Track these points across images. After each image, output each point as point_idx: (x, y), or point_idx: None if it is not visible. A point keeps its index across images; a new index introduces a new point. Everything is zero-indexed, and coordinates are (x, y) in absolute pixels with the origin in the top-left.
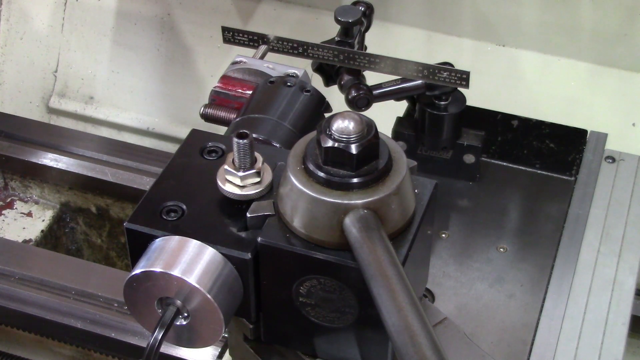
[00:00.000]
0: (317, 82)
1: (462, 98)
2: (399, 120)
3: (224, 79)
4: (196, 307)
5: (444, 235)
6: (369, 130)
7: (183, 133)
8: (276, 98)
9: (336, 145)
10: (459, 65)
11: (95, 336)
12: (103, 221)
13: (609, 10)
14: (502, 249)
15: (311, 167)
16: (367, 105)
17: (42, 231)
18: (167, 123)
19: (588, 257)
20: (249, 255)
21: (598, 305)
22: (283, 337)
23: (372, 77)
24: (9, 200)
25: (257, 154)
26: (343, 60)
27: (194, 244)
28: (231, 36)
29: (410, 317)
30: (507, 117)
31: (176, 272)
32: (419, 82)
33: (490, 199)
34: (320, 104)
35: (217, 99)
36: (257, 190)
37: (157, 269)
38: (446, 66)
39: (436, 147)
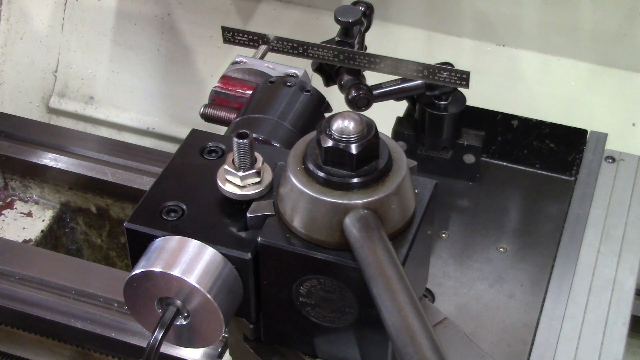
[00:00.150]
0: (317, 82)
1: (462, 98)
2: (399, 120)
3: (224, 79)
4: (196, 307)
5: (444, 235)
6: (369, 130)
7: (183, 133)
8: (276, 98)
9: (336, 145)
10: (459, 65)
11: (95, 336)
12: (103, 221)
13: (609, 10)
14: (502, 249)
15: (311, 167)
16: (367, 105)
17: (42, 231)
18: (167, 123)
19: (588, 257)
20: (249, 255)
21: (598, 305)
22: (283, 337)
23: (372, 77)
24: (9, 200)
25: (257, 154)
26: (343, 60)
27: (194, 244)
28: (231, 36)
29: (410, 317)
30: (507, 117)
31: (176, 272)
32: (419, 82)
33: (490, 199)
34: (320, 104)
35: (217, 99)
36: (257, 190)
37: (157, 269)
38: (446, 66)
39: (436, 147)
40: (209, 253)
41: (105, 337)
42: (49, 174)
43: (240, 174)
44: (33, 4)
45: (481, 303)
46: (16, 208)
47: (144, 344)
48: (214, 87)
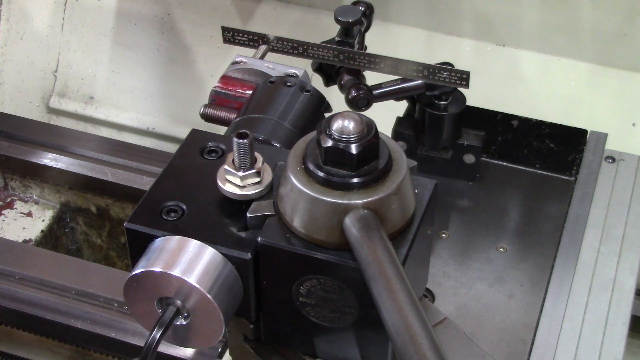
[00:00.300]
0: (317, 82)
1: (462, 98)
2: (399, 120)
3: (224, 79)
4: (196, 307)
5: (444, 235)
6: (369, 130)
7: (183, 133)
8: (276, 98)
9: (336, 145)
10: (459, 65)
11: (95, 336)
12: (103, 221)
13: (609, 10)
14: (502, 249)
15: (311, 167)
16: (367, 105)
17: (42, 231)
18: (167, 123)
19: (588, 257)
20: (249, 255)
21: (598, 305)
22: (283, 337)
23: (372, 77)
24: (9, 200)
25: (257, 154)
26: (343, 60)
27: (194, 244)
28: (231, 36)
29: (410, 317)
30: (507, 117)
31: (176, 272)
32: (419, 82)
33: (490, 199)
34: (320, 104)
35: (217, 99)
36: (257, 190)
37: (157, 269)
38: (446, 66)
39: (436, 147)
40: (209, 253)
41: (105, 337)
42: (49, 174)
43: (240, 174)
44: (33, 4)
45: (481, 303)
46: (16, 208)
47: (143, 344)
48: (214, 87)
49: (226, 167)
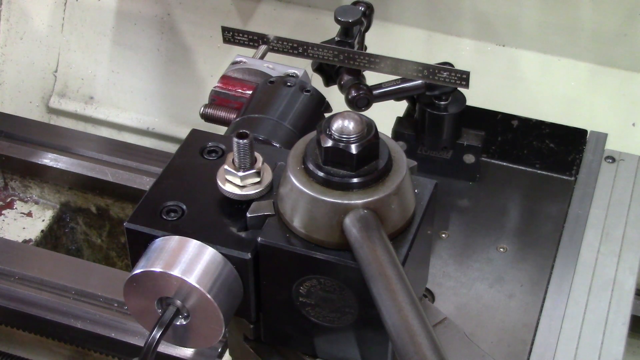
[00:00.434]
0: (317, 82)
1: (462, 98)
2: (399, 120)
3: (224, 79)
4: (196, 307)
5: (444, 235)
6: (369, 130)
7: (183, 133)
8: (276, 98)
9: (336, 145)
10: (459, 65)
11: (95, 336)
12: (103, 221)
13: (609, 10)
14: (502, 249)
15: (311, 167)
16: (367, 105)
17: (42, 231)
18: (167, 123)
19: (588, 257)
20: (249, 255)
21: (598, 305)
22: (283, 337)
23: (372, 77)
24: (9, 200)
25: (257, 154)
26: (343, 60)
27: (193, 244)
28: (231, 36)
29: (410, 317)
30: (507, 117)
31: (176, 272)
32: (419, 82)
33: (490, 199)
34: (320, 104)
35: (217, 98)
36: (257, 190)
37: (157, 269)
38: (446, 66)
39: (436, 147)
40: (209, 253)
41: (105, 337)
42: (49, 174)
43: (240, 174)
44: (33, 4)
45: (481, 303)
46: (16, 208)
47: (143, 344)
48: (214, 87)
49: (226, 167)
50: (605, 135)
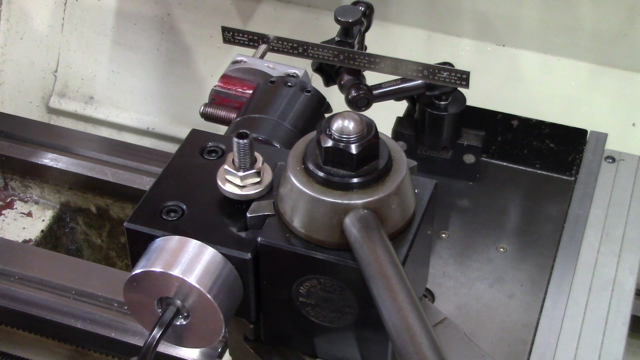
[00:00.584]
0: (317, 82)
1: (462, 98)
2: (399, 120)
3: (225, 78)
4: (196, 307)
5: (444, 235)
6: (369, 130)
7: (183, 133)
8: (276, 98)
9: (336, 145)
10: (459, 65)
11: (95, 336)
12: (103, 221)
13: (609, 10)
14: (502, 249)
15: (311, 167)
16: (367, 105)
17: (42, 231)
18: (167, 123)
19: (588, 257)
20: (249, 255)
21: (598, 305)
22: (283, 337)
23: (372, 77)
24: (9, 200)
25: (257, 154)
26: (343, 60)
27: (194, 244)
28: (231, 36)
29: (410, 317)
30: (507, 117)
31: (176, 272)
32: (419, 82)
33: (490, 199)
34: (321, 104)
35: (217, 98)
36: (257, 190)
37: (157, 269)
38: (446, 66)
39: (436, 147)
40: (209, 253)
41: (105, 337)
42: (49, 174)
43: (240, 174)
44: (33, 4)
45: (481, 303)
46: (16, 208)
47: (143, 344)
48: (214, 86)
49: (226, 167)
50: (605, 135)
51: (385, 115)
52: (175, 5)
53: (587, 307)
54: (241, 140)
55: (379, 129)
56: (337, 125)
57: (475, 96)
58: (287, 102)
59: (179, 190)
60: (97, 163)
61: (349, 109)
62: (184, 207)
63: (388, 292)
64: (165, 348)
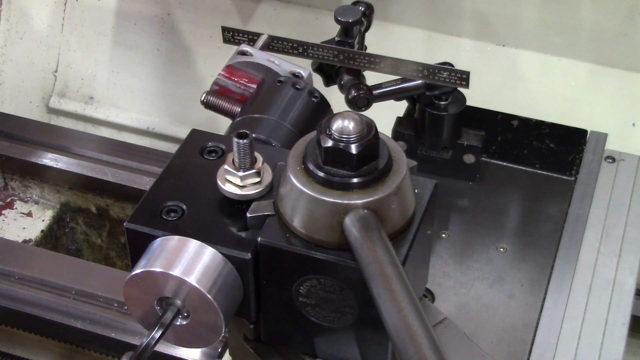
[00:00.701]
0: (317, 82)
1: (462, 98)
2: (399, 120)
3: (230, 68)
4: (196, 307)
5: (444, 235)
6: (369, 130)
7: (183, 133)
8: (282, 99)
9: (336, 145)
10: (459, 65)
11: (95, 336)
12: (103, 221)
13: (609, 10)
14: (502, 249)
15: (311, 167)
16: (367, 105)
17: (42, 231)
18: (167, 123)
19: (588, 257)
20: (249, 255)
21: (598, 305)
22: (283, 337)
23: (372, 77)
24: (9, 200)
25: (257, 154)
26: (343, 60)
27: (194, 244)
28: (231, 36)
29: (410, 317)
30: (507, 117)
31: (176, 272)
32: (419, 82)
33: (490, 199)
34: (325, 110)
35: (219, 87)
36: (257, 190)
37: (157, 269)
38: (446, 66)
39: (436, 147)
40: (209, 253)
41: (105, 337)
42: (49, 174)
43: (240, 174)
44: (33, 4)
45: (481, 303)
46: (16, 208)
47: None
48: (218, 75)
49: (226, 167)
50: (605, 135)
51: (385, 115)
52: (175, 5)
53: (587, 307)
54: (241, 140)
55: (379, 129)
56: (337, 125)
57: (475, 96)
58: (292, 105)
59: (179, 190)
60: (97, 163)
61: (349, 109)
62: (184, 207)
63: (388, 292)
64: (165, 348)
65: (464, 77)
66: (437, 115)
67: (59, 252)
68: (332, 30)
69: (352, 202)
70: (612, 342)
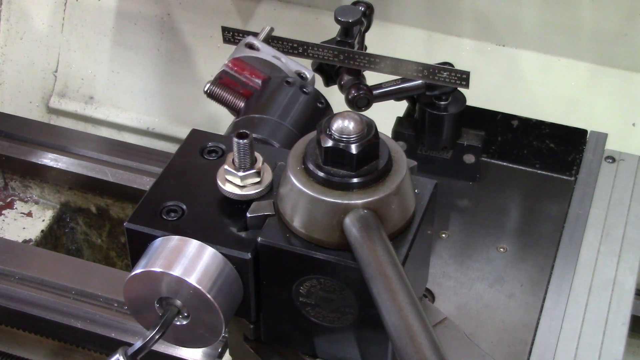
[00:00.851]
0: (317, 82)
1: (462, 98)
2: (399, 120)
3: (237, 61)
4: (196, 307)
5: (444, 235)
6: (369, 130)
7: (183, 133)
8: (287, 101)
9: (336, 145)
10: (459, 65)
11: (95, 336)
12: (103, 221)
13: (609, 10)
14: (502, 249)
15: (311, 167)
16: (367, 105)
17: (42, 231)
18: (167, 123)
19: (588, 257)
20: (249, 255)
21: (598, 305)
22: (283, 337)
23: (372, 77)
24: (9, 200)
25: (257, 154)
26: (343, 60)
27: (194, 244)
28: (231, 36)
29: (410, 317)
30: (507, 117)
31: (176, 272)
32: (419, 82)
33: (490, 199)
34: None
35: (224, 78)
36: (257, 190)
37: (157, 269)
38: (446, 66)
39: (436, 147)
40: (209, 253)
41: (105, 337)
42: (49, 174)
43: (240, 174)
44: (33, 4)
45: (481, 303)
46: (16, 208)
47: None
48: (224, 66)
49: (226, 167)
50: (605, 135)
51: (385, 115)
52: (175, 5)
53: (587, 307)
54: (241, 140)
55: (379, 129)
56: (337, 125)
57: (475, 96)
58: (297, 107)
59: (179, 190)
60: (97, 163)
61: (349, 109)
62: (184, 207)
63: (388, 292)
64: (165, 348)
65: (464, 77)
66: (437, 115)
67: (59, 252)
68: (332, 30)
69: (352, 202)
70: (612, 342)
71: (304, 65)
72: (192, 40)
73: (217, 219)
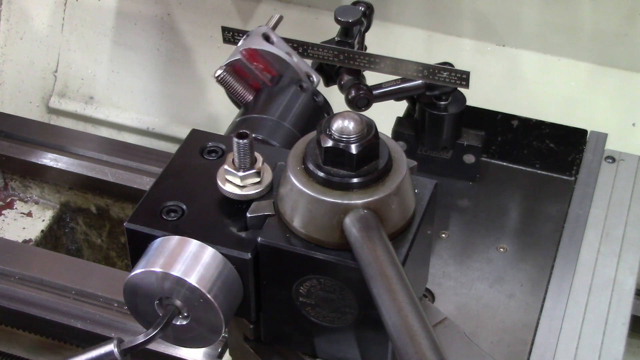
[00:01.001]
0: None
1: (462, 98)
2: (399, 120)
3: (252, 51)
4: (196, 307)
5: (444, 235)
6: (369, 130)
7: (183, 133)
8: (298, 106)
9: (336, 145)
10: (459, 65)
11: (95, 336)
12: (103, 221)
13: (609, 10)
14: (502, 249)
15: (311, 167)
16: (367, 105)
17: (42, 231)
18: (167, 123)
19: (588, 257)
20: (249, 255)
21: (598, 305)
22: (283, 337)
23: (372, 77)
24: (9, 200)
25: (257, 154)
26: (343, 60)
27: (194, 244)
28: (231, 36)
29: (410, 317)
30: (507, 117)
31: (176, 272)
32: (419, 82)
33: (490, 199)
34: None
35: (237, 66)
36: (257, 190)
37: (157, 269)
38: (446, 66)
39: (436, 147)
40: (209, 253)
41: (105, 337)
42: (49, 174)
43: (240, 174)
44: (33, 4)
45: (481, 303)
46: (16, 208)
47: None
48: (239, 54)
49: (226, 167)
50: (605, 135)
51: (385, 115)
52: (175, 5)
53: (587, 307)
54: (241, 140)
55: (379, 129)
56: (337, 125)
57: (475, 96)
58: (297, 108)
59: (179, 190)
60: (97, 163)
61: (349, 109)
62: (184, 207)
63: (388, 292)
64: (165, 348)
65: (464, 77)
66: (437, 115)
67: (59, 252)
68: (332, 30)
69: (352, 202)
70: (612, 342)
71: (312, 69)
72: (192, 40)
73: (217, 219)
